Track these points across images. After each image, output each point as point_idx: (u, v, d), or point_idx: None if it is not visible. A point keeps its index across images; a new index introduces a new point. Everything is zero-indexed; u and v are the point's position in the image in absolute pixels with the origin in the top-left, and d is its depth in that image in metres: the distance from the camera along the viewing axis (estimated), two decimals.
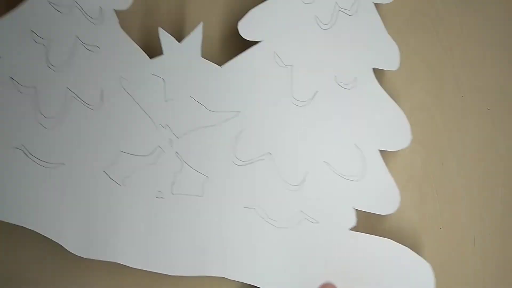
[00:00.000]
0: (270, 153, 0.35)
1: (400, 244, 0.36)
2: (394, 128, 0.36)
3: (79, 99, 0.35)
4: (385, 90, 0.36)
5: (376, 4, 0.37)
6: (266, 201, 0.35)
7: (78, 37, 0.35)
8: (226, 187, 0.35)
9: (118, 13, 0.35)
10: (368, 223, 0.36)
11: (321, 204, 0.35)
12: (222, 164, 0.35)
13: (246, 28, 0.35)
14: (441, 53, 0.41)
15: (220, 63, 0.36)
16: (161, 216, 0.35)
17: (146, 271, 0.34)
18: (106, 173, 0.35)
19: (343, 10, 0.36)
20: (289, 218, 0.35)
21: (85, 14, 0.35)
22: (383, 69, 0.36)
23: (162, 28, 0.35)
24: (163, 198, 0.35)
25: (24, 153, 0.34)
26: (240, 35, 0.35)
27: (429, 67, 0.41)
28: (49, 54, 0.34)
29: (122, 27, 0.35)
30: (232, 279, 0.35)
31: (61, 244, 0.34)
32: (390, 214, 0.36)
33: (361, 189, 0.35)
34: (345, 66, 0.36)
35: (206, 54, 0.36)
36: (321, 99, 0.35)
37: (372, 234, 0.36)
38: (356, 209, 0.36)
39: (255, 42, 0.36)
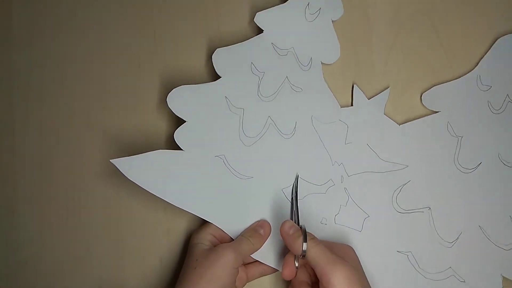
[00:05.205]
0: (429, 207, 0.39)
1: None
2: None
3: (276, 127, 0.41)
4: None
5: None
6: (419, 250, 0.39)
7: (287, 77, 0.42)
8: (384, 229, 0.39)
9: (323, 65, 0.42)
10: None
11: (471, 265, 0.38)
12: (383, 208, 0.40)
13: (429, 100, 0.41)
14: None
15: (399, 122, 0.41)
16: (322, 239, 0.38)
17: None
18: (283, 192, 0.40)
19: None
20: (438, 271, 0.38)
21: (297, 60, 0.42)
22: None
23: (356, 85, 0.42)
24: (326, 224, 0.39)
25: (223, 162, 0.39)
26: (422, 104, 0.42)
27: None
28: (261, 85, 0.41)
29: (324, 77, 0.42)
30: None
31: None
32: None
33: (511, 259, 0.38)
34: (509, 147, 0.40)
35: (388, 113, 0.42)
36: (484, 171, 0.40)
37: None
38: (503, 276, 0.38)
39: (433, 112, 0.42)
